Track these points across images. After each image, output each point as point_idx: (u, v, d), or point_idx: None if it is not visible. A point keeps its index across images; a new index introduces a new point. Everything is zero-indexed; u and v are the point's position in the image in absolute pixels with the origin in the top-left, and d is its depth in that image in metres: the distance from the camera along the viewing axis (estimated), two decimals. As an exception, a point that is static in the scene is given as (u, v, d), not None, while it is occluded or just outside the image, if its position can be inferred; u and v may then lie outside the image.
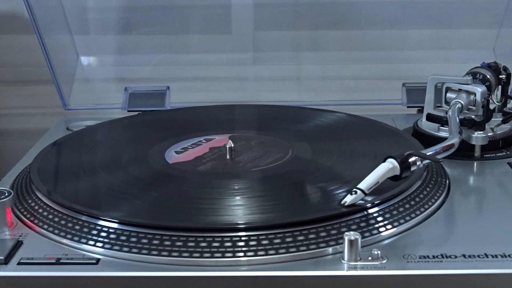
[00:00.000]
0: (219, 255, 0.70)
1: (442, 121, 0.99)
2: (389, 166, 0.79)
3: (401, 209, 0.78)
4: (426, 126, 1.02)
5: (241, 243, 0.71)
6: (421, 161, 0.81)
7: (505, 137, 0.99)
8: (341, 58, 1.29)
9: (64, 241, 0.74)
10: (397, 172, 0.79)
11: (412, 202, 0.79)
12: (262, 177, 0.87)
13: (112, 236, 0.73)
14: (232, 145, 0.93)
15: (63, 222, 0.77)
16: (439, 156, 0.85)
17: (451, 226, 0.78)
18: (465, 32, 1.28)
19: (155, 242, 0.71)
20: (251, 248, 0.70)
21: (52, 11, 1.25)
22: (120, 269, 0.69)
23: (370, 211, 0.76)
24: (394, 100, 1.23)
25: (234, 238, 0.71)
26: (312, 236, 0.72)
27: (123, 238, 0.73)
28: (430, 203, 0.81)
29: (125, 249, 0.71)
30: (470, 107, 0.99)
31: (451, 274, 0.68)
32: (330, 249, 0.71)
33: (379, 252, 0.69)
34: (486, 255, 0.70)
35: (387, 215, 0.76)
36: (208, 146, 0.97)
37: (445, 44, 1.28)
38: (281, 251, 0.70)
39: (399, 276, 0.68)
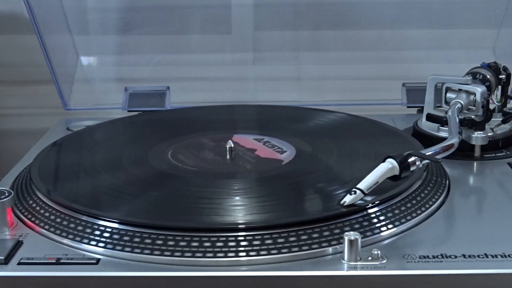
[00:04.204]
0: (219, 255, 0.70)
1: (442, 121, 0.99)
2: (388, 166, 0.79)
3: (401, 209, 0.78)
4: (426, 126, 1.02)
5: (241, 243, 0.71)
6: (421, 161, 0.81)
7: (505, 137, 0.99)
8: (341, 58, 1.29)
9: (64, 241, 0.74)
10: (397, 172, 0.79)
11: (412, 202, 0.79)
12: (262, 177, 0.87)
13: (112, 236, 0.73)
14: (232, 145, 0.93)
15: (63, 222, 0.77)
16: (438, 156, 0.85)
17: (451, 226, 0.78)
18: (465, 32, 1.28)
19: (155, 242, 0.71)
20: (251, 248, 0.70)
21: (52, 11, 1.25)
22: (120, 269, 0.69)
23: (370, 211, 0.76)
24: (394, 100, 1.23)
25: (234, 238, 0.71)
26: (312, 236, 0.72)
27: (123, 238, 0.73)
28: (430, 203, 0.81)
29: (125, 249, 0.71)
30: (470, 107, 0.99)
31: (451, 274, 0.68)
32: (330, 249, 0.71)
33: (379, 252, 0.70)
34: (486, 255, 0.70)
35: (387, 215, 0.76)
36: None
37: (445, 44, 1.28)
38: (281, 251, 0.70)
39: (399, 276, 0.68)
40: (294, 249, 0.71)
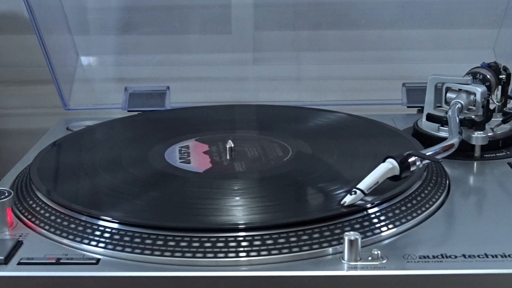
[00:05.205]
0: (219, 255, 0.70)
1: (442, 121, 0.99)
2: (388, 166, 0.79)
3: (401, 209, 0.78)
4: (426, 126, 1.02)
5: (241, 243, 0.71)
6: (421, 161, 0.81)
7: (505, 137, 0.99)
8: (341, 58, 1.29)
9: (64, 241, 0.74)
10: (397, 172, 0.79)
11: (412, 202, 0.79)
12: (262, 177, 0.87)
13: (112, 236, 0.73)
14: (232, 145, 0.93)
15: (63, 222, 0.77)
16: (438, 156, 0.85)
17: (451, 226, 0.78)
18: (465, 32, 1.28)
19: (155, 242, 0.71)
20: (251, 248, 0.70)
21: (52, 11, 1.25)
22: (120, 269, 0.69)
23: (370, 211, 0.76)
24: (394, 100, 1.23)
25: (234, 238, 0.71)
26: (312, 236, 0.72)
27: (123, 238, 0.73)
28: (430, 203, 0.81)
29: (125, 249, 0.71)
30: (470, 107, 0.99)
31: (451, 274, 0.68)
32: (330, 249, 0.71)
33: (379, 252, 0.69)
34: (486, 255, 0.70)
35: (387, 215, 0.76)
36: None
37: (445, 44, 1.28)
38: (281, 251, 0.70)
39: (399, 276, 0.68)
40: (294, 249, 0.71)
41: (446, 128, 0.96)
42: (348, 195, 0.76)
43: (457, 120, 0.94)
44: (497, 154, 0.97)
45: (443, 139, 0.92)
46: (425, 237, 0.75)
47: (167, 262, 0.70)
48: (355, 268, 0.68)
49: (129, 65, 1.30)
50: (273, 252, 0.70)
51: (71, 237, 0.74)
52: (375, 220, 0.75)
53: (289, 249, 0.71)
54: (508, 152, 0.97)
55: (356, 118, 1.08)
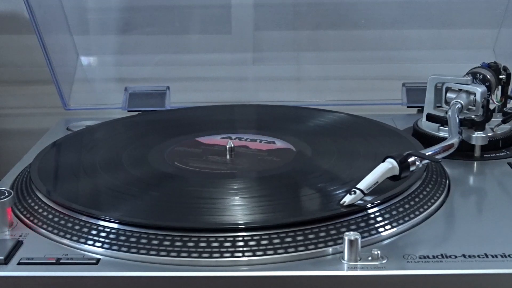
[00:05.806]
0: (219, 255, 0.70)
1: (442, 121, 0.99)
2: (388, 166, 0.79)
3: (401, 209, 0.78)
4: (426, 126, 1.02)
5: (241, 243, 0.71)
6: (420, 161, 0.81)
7: (505, 137, 0.99)
8: (341, 58, 1.29)
9: (64, 241, 0.74)
10: (396, 172, 0.79)
11: (412, 202, 0.79)
12: (262, 177, 0.87)
13: (112, 236, 0.73)
14: (232, 145, 0.93)
15: (63, 222, 0.77)
16: (438, 156, 0.85)
17: (451, 226, 0.78)
18: (465, 32, 1.28)
19: (155, 242, 0.71)
20: (251, 248, 0.70)
21: (52, 11, 1.25)
22: (120, 269, 0.69)
23: (370, 211, 0.76)
24: (394, 100, 1.23)
25: (234, 238, 0.71)
26: (312, 236, 0.72)
27: (123, 238, 0.73)
28: (430, 203, 0.81)
29: (125, 249, 0.71)
30: (470, 107, 0.99)
31: (451, 274, 0.68)
32: (330, 249, 0.71)
33: (379, 252, 0.69)
34: (486, 255, 0.70)
35: (387, 215, 0.76)
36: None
37: (445, 44, 1.28)
38: (281, 251, 0.70)
39: (399, 276, 0.68)
40: (294, 249, 0.70)
41: (446, 128, 0.96)
42: (348, 195, 0.76)
43: (457, 120, 0.94)
44: (497, 154, 0.97)
45: (443, 139, 0.92)
46: (425, 237, 0.75)
47: (167, 262, 0.70)
48: (355, 268, 0.68)
49: (129, 65, 1.30)
50: (273, 252, 0.70)
51: (71, 237, 0.74)
52: (375, 220, 0.75)
53: (289, 249, 0.70)
54: (508, 152, 0.97)
55: (356, 118, 1.08)
